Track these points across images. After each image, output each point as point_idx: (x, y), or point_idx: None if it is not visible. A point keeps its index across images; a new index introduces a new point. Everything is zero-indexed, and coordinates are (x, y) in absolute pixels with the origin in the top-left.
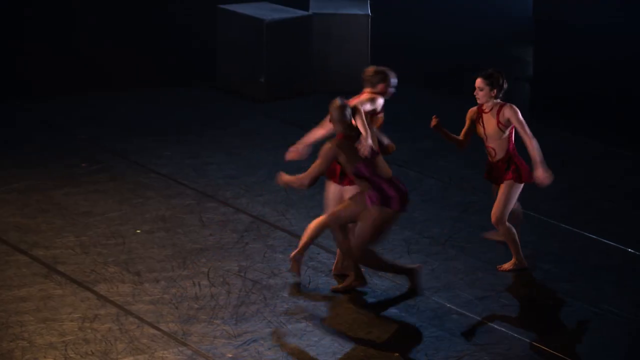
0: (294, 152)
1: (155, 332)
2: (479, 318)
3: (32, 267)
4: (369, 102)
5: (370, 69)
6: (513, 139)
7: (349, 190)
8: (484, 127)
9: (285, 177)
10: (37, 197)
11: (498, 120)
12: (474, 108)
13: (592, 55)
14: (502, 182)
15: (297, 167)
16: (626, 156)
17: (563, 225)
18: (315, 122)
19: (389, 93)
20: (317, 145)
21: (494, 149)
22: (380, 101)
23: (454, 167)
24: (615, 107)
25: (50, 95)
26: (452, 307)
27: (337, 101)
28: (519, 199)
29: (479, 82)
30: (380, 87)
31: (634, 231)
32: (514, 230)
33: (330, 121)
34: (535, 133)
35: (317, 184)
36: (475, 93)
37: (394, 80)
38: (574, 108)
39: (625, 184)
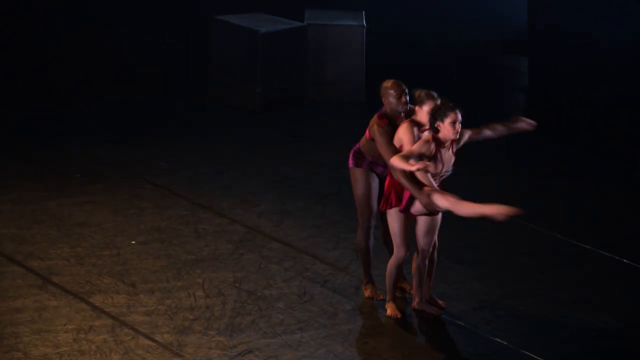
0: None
1: (151, 343)
2: (474, 328)
3: (27, 278)
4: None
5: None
6: None
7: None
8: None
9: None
10: (31, 208)
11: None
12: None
13: (589, 63)
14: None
15: (289, 177)
16: (627, 168)
17: (558, 235)
18: (310, 133)
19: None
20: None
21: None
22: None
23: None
24: (611, 117)
25: (44, 104)
26: (448, 317)
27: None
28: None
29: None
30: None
31: (635, 244)
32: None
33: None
34: (534, 143)
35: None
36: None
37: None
38: (570, 118)
39: (625, 194)
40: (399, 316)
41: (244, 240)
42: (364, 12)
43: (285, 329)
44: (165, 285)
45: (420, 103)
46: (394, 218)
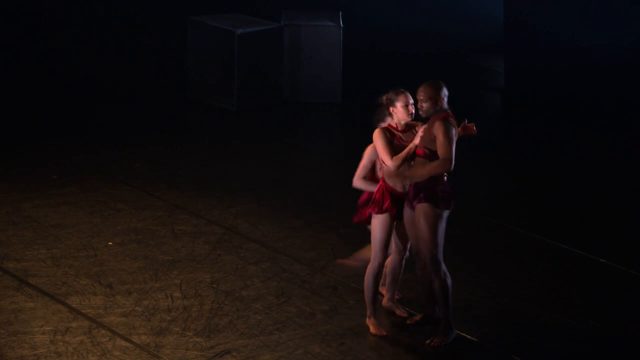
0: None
1: (128, 344)
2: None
3: (3, 280)
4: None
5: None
6: None
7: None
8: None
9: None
10: (7, 210)
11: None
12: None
13: (565, 62)
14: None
15: (265, 178)
16: (606, 165)
17: (534, 235)
18: (286, 133)
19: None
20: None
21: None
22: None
23: None
24: (589, 115)
25: (19, 106)
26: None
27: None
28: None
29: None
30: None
31: (610, 243)
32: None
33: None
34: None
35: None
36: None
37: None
38: (547, 117)
39: (603, 192)
40: (383, 334)
41: (221, 241)
42: (340, 13)
43: (263, 330)
44: (142, 286)
45: (391, 103)
46: (380, 223)
